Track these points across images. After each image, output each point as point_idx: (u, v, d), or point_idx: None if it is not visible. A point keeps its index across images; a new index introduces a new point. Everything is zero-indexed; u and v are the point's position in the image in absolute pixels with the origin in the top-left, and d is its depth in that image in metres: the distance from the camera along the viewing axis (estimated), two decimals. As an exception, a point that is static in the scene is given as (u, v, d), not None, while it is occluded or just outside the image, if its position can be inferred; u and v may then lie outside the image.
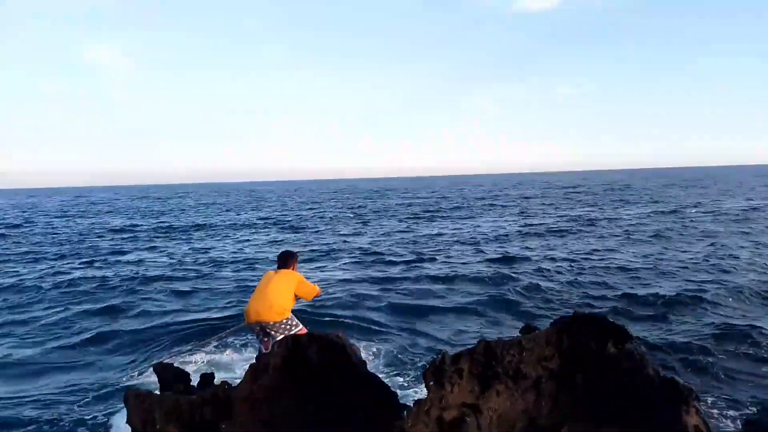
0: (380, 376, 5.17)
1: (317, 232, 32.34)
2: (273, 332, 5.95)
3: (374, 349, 9.45)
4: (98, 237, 32.68)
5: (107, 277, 18.46)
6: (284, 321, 6.02)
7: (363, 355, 5.93)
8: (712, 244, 20.79)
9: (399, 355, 9.16)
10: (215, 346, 9.97)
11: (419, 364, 8.52)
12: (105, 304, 14.27)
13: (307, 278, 6.59)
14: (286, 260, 6.67)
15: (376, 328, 10.83)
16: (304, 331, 6.14)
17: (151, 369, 6.30)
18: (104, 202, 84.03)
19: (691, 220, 29.94)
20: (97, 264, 21.85)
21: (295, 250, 7.67)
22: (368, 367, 5.16)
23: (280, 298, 6.00)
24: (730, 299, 12.60)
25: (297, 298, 6.31)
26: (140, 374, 8.96)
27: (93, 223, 42.98)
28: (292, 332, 5.92)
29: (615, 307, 11.78)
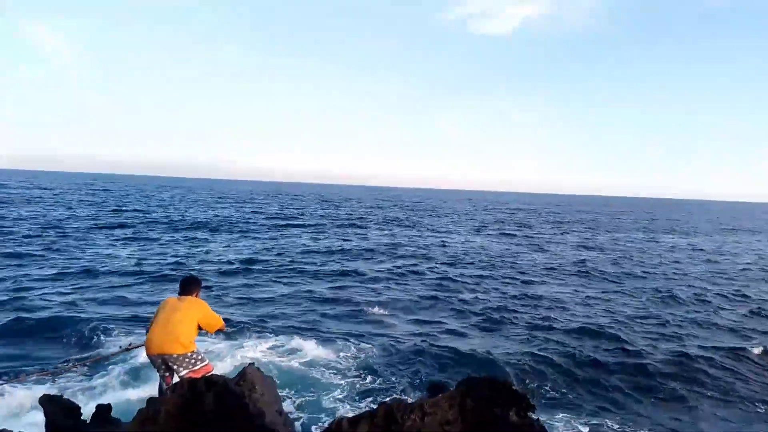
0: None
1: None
2: (176, 366, 5.50)
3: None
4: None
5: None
6: (189, 354, 5.56)
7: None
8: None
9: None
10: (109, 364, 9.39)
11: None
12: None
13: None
14: (190, 286, 6.08)
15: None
16: (210, 367, 5.72)
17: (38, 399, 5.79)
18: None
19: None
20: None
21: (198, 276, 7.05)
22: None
23: (187, 329, 5.55)
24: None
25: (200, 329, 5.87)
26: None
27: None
28: (197, 367, 5.49)
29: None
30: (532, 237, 39.70)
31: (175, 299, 5.85)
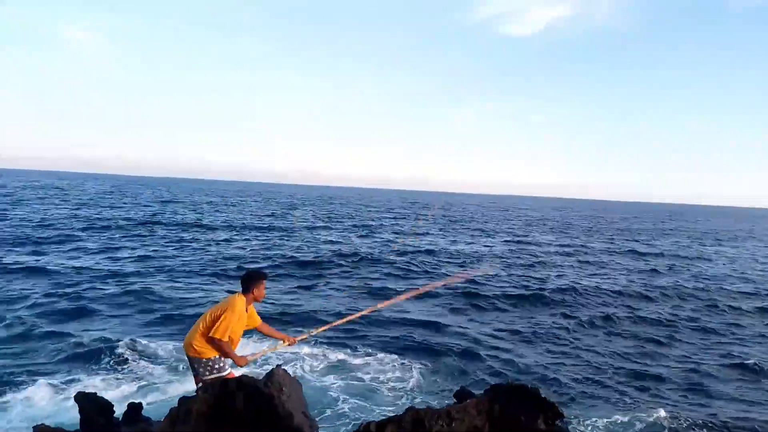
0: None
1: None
2: (194, 368, 5.47)
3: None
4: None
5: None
6: (205, 361, 5.37)
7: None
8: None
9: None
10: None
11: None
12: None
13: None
14: (245, 283, 5.59)
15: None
16: (232, 375, 5.51)
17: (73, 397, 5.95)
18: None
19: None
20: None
21: (266, 270, 6.33)
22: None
23: (204, 334, 5.41)
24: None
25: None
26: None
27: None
28: (212, 375, 5.26)
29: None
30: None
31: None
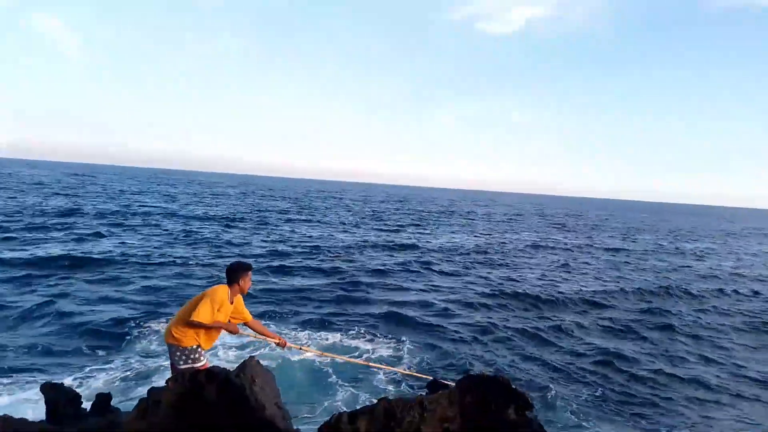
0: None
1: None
2: (173, 356, 5.41)
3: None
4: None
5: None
6: (182, 349, 5.33)
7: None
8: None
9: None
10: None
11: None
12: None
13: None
14: (230, 274, 5.56)
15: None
16: (207, 366, 5.47)
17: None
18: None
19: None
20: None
21: (250, 262, 6.34)
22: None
23: (183, 320, 5.38)
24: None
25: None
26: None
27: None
28: (186, 365, 5.19)
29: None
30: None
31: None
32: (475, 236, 38.45)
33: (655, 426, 8.63)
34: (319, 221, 42.18)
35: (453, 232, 40.29)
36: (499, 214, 73.30)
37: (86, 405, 5.84)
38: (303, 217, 44.79)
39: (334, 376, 9.57)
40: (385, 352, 11.27)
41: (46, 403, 5.58)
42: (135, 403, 4.78)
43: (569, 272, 24.29)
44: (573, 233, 47.07)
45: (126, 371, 9.13)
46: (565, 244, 36.72)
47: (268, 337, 5.93)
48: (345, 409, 7.55)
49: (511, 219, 64.59)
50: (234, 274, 5.55)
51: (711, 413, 9.29)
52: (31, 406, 7.36)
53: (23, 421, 4.66)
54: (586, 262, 27.93)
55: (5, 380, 8.48)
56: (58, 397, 5.59)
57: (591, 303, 17.71)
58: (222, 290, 5.44)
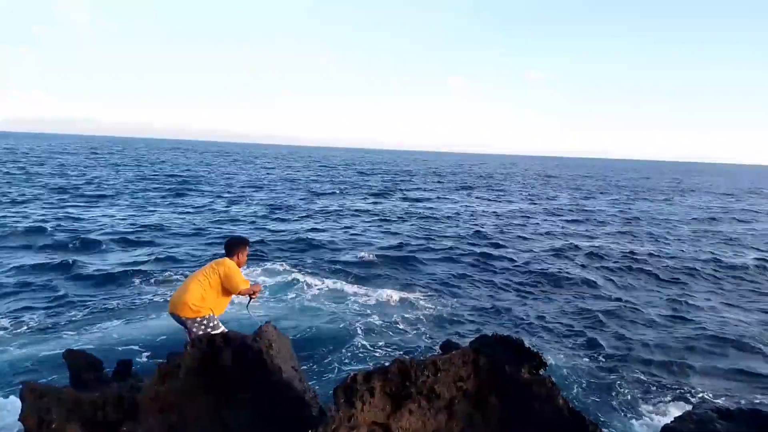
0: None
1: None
2: (187, 327, 5.57)
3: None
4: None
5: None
6: (199, 319, 5.49)
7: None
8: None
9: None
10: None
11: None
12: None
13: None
14: (230, 247, 5.93)
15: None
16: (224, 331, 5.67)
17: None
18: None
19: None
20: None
21: (248, 236, 6.78)
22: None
23: (200, 292, 5.48)
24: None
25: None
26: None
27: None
28: (209, 332, 5.46)
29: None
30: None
31: (211, 261, 5.87)
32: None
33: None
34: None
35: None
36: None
37: (109, 370, 5.98)
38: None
39: (348, 337, 9.74)
40: (401, 311, 11.45)
41: (68, 368, 5.72)
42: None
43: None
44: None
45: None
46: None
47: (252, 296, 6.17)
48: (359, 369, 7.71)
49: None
50: (233, 247, 5.95)
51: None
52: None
53: (48, 385, 4.79)
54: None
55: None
56: (79, 363, 5.73)
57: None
58: (232, 262, 5.89)
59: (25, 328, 9.75)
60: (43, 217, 21.85)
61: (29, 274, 13.41)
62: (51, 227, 19.72)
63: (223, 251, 6.02)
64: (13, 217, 21.61)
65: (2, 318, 10.18)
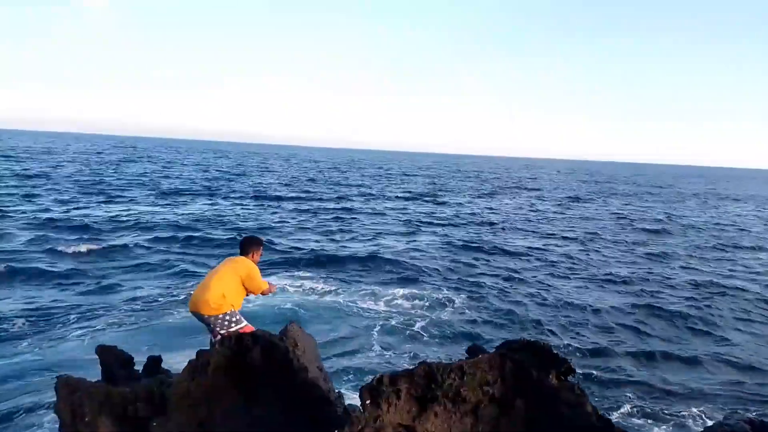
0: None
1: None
2: (210, 326, 5.63)
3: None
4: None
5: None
6: (222, 316, 5.54)
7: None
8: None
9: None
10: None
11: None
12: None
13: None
14: (246, 246, 5.99)
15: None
16: (249, 329, 5.72)
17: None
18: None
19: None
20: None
21: (262, 237, 6.93)
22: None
23: (221, 291, 5.51)
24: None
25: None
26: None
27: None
28: (231, 329, 5.39)
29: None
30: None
31: (228, 259, 5.91)
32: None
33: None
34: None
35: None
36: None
37: (139, 366, 6.10)
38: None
39: (374, 338, 9.77)
40: (427, 314, 11.46)
41: (100, 364, 5.84)
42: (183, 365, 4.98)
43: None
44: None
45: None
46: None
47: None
48: (385, 370, 7.72)
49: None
50: (249, 246, 6.01)
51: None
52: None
53: (81, 380, 4.91)
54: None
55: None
56: (111, 359, 5.85)
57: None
58: (252, 262, 5.96)
59: (60, 323, 10.03)
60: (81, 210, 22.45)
61: (63, 269, 13.79)
62: (91, 220, 20.32)
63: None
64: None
65: (36, 312, 10.49)
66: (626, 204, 42.96)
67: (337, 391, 5.45)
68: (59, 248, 16.20)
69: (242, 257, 5.94)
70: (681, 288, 15.42)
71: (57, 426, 4.64)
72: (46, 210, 23.48)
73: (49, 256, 15.29)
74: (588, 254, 19.45)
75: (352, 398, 6.53)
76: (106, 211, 24.12)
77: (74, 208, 24.48)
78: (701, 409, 7.94)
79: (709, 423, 6.09)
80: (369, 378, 4.33)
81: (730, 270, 18.26)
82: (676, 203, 46.07)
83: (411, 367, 4.19)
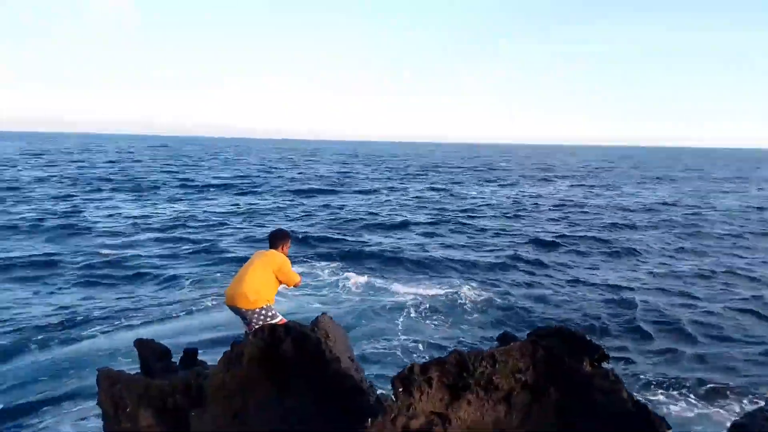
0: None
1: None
2: (246, 319, 5.76)
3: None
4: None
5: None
6: (258, 310, 5.67)
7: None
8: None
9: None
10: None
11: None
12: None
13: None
14: (275, 240, 6.16)
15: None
16: (283, 321, 5.85)
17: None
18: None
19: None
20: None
21: (288, 229, 7.15)
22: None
23: (256, 284, 5.62)
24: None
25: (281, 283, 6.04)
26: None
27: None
28: (268, 323, 5.60)
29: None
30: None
31: (259, 253, 6.02)
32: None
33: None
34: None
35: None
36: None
37: (176, 359, 6.25)
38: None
39: (404, 329, 9.82)
40: (458, 303, 11.47)
41: (139, 357, 6.01)
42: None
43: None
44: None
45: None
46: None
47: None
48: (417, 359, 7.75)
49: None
50: (278, 240, 6.16)
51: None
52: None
53: (121, 372, 5.05)
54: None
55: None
56: (148, 352, 6.01)
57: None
58: (284, 255, 6.13)
59: (99, 316, 10.34)
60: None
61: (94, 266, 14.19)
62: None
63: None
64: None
65: (79, 307, 10.82)
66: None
67: (368, 381, 5.50)
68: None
69: (273, 251, 6.06)
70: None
71: (100, 417, 4.79)
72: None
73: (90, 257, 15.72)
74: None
75: (383, 389, 6.59)
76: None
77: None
78: (743, 397, 7.76)
79: (750, 408, 5.95)
80: (400, 368, 4.35)
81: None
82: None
83: (443, 356, 4.21)
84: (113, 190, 32.45)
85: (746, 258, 17.19)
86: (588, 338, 4.13)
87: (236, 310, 5.77)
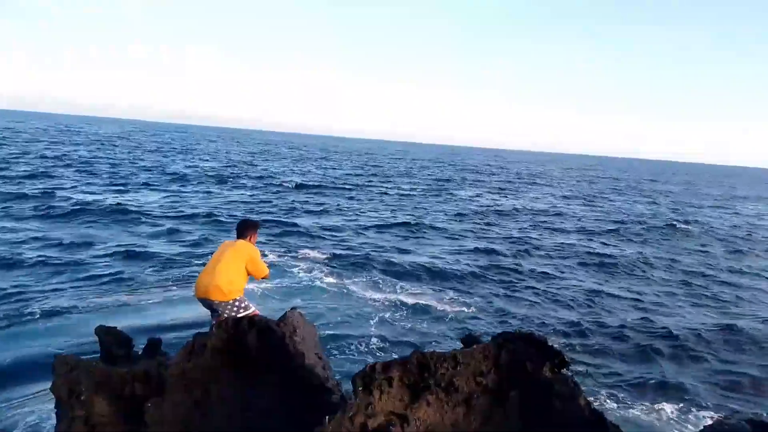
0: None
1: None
2: (219, 311, 5.64)
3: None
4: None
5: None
6: (231, 302, 5.56)
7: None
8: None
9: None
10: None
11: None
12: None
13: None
14: (243, 230, 5.99)
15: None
16: (256, 313, 5.73)
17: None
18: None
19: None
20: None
21: (257, 219, 6.96)
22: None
23: (229, 275, 5.48)
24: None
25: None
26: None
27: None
28: (240, 315, 5.45)
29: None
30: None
31: (227, 243, 5.88)
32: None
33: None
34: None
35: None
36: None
37: (138, 348, 6.14)
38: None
39: (369, 328, 9.81)
40: (420, 300, 11.52)
41: (100, 344, 5.89)
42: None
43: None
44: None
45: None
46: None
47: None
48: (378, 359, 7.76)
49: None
50: (246, 230, 6.01)
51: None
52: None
53: (79, 358, 4.95)
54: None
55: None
56: (110, 340, 5.90)
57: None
58: (254, 246, 6.00)
59: (62, 305, 10.15)
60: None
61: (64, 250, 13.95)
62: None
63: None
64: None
65: (38, 294, 10.61)
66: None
67: (335, 379, 5.46)
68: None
69: (242, 241, 5.90)
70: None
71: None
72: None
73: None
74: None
75: (350, 388, 6.55)
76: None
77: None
78: (701, 407, 7.88)
79: (709, 422, 6.02)
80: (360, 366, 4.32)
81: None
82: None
83: (404, 356, 4.19)
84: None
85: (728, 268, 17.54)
86: (550, 344, 4.15)
87: (208, 303, 5.64)
